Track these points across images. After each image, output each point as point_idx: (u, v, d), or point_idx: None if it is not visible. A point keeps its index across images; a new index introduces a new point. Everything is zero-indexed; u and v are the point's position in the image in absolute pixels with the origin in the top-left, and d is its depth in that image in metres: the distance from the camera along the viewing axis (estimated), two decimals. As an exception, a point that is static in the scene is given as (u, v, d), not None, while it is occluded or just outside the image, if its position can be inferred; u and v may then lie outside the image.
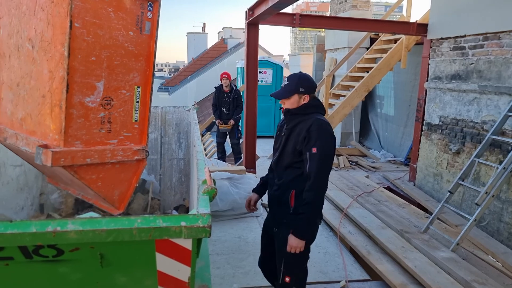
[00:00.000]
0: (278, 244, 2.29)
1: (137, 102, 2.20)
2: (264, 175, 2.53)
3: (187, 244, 1.45)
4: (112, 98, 2.09)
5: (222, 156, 7.16)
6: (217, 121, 6.91)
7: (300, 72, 2.31)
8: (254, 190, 2.56)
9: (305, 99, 2.17)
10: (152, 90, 2.28)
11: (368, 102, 8.81)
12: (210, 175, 1.69)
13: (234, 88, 6.85)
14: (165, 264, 1.51)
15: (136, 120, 2.23)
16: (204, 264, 2.18)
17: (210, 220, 1.36)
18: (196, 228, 1.34)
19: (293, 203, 2.20)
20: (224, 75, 6.83)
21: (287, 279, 2.26)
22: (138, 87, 2.20)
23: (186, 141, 4.28)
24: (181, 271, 1.56)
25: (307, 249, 2.24)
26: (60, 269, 1.43)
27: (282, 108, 2.29)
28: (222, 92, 6.82)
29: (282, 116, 2.38)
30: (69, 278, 1.47)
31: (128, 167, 2.26)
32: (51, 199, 3.43)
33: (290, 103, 2.19)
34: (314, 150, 2.06)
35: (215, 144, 7.56)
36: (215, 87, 7.01)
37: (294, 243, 2.10)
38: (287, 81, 2.21)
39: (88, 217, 1.28)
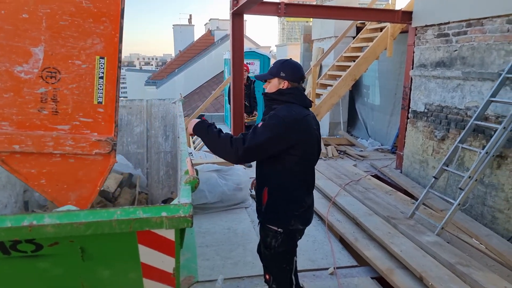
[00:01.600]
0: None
1: (101, 78, 1.70)
2: None
3: (170, 235, 1.44)
4: (58, 70, 1.65)
5: None
6: None
7: (290, 58, 2.23)
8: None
9: (284, 85, 2.09)
10: (120, 63, 1.76)
11: (355, 92, 8.85)
12: (192, 165, 1.68)
13: (253, 79, 6.51)
14: (148, 256, 1.50)
15: (100, 102, 1.74)
16: (191, 255, 2.18)
17: (192, 210, 1.35)
18: (177, 219, 1.33)
19: (265, 200, 2.10)
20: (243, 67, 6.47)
21: (267, 277, 2.26)
22: (102, 58, 1.70)
23: (173, 134, 4.25)
24: (165, 262, 1.55)
25: (284, 253, 2.16)
26: (40, 264, 1.40)
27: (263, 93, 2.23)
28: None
29: None
30: (50, 273, 1.45)
31: (89, 163, 1.80)
32: (35, 196, 3.38)
33: (270, 86, 2.13)
34: (259, 125, 1.98)
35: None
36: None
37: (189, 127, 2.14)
38: (273, 65, 2.16)
39: (65, 210, 1.26)
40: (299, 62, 11.09)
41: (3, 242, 1.27)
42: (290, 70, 2.10)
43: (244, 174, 4.72)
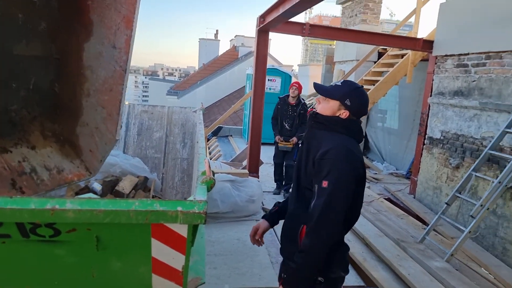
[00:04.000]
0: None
1: None
2: (283, 202, 2.00)
3: (183, 230, 1.50)
4: None
5: (279, 179, 5.96)
6: (276, 138, 5.73)
7: (362, 87, 1.83)
8: (264, 217, 1.99)
9: (343, 114, 1.70)
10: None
11: (367, 117, 8.90)
12: (209, 167, 1.77)
13: (302, 101, 5.72)
14: (160, 250, 1.52)
15: None
16: (199, 258, 2.23)
17: (206, 207, 1.41)
18: (192, 214, 1.38)
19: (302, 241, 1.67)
20: (294, 84, 5.75)
21: None
22: None
23: (191, 142, 4.38)
24: (175, 259, 1.57)
25: None
26: (56, 250, 1.43)
27: (311, 108, 1.93)
28: (287, 104, 5.69)
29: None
30: (65, 260, 1.47)
31: None
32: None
33: (325, 107, 1.72)
34: (324, 184, 1.57)
35: (220, 149, 7.54)
36: (278, 97, 5.97)
37: None
38: (341, 84, 1.75)
39: (87, 197, 1.36)
40: (320, 82, 11.22)
41: (23, 224, 1.31)
42: (359, 102, 1.72)
43: (258, 187, 4.80)
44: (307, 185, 1.70)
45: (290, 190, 1.95)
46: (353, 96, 1.70)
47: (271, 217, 1.96)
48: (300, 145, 1.86)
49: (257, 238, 1.92)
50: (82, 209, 1.28)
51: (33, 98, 2.84)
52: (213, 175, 1.76)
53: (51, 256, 1.43)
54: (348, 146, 1.65)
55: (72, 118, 2.90)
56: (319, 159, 1.61)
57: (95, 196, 1.52)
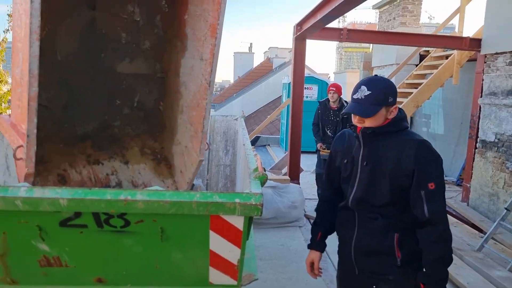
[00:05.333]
0: None
1: None
2: (317, 220, 1.91)
3: (239, 223, 1.53)
4: None
5: None
6: (318, 145, 5.33)
7: (376, 75, 1.79)
8: (312, 247, 1.88)
9: (393, 111, 1.60)
10: None
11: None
12: (261, 163, 1.78)
13: (345, 104, 5.18)
14: (217, 243, 1.59)
15: None
16: (250, 256, 2.24)
17: (262, 200, 1.44)
18: (249, 206, 1.42)
19: (399, 251, 1.61)
20: (331, 88, 5.28)
21: None
22: None
23: (233, 149, 4.44)
24: (231, 253, 1.63)
25: None
26: (125, 240, 1.54)
27: (350, 125, 1.69)
28: (328, 109, 5.27)
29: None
30: (132, 250, 1.58)
31: None
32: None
33: (375, 120, 1.58)
34: (431, 186, 1.53)
35: (259, 157, 7.54)
36: (318, 101, 5.61)
37: None
38: (369, 89, 1.56)
39: (154, 189, 1.42)
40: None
41: (99, 214, 1.43)
42: (395, 89, 1.63)
43: (300, 193, 4.75)
44: (393, 198, 1.61)
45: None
46: (389, 88, 1.61)
47: (320, 244, 1.89)
48: (358, 161, 1.67)
49: (316, 272, 1.87)
50: (150, 199, 1.38)
51: (137, 116, 2.89)
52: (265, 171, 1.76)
53: (121, 246, 1.53)
54: (424, 139, 1.61)
55: (170, 136, 2.84)
56: (416, 161, 1.55)
57: (161, 188, 1.59)
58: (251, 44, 27.20)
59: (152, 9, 2.76)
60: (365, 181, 1.65)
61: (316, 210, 1.93)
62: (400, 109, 1.66)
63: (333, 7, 3.88)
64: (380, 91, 1.57)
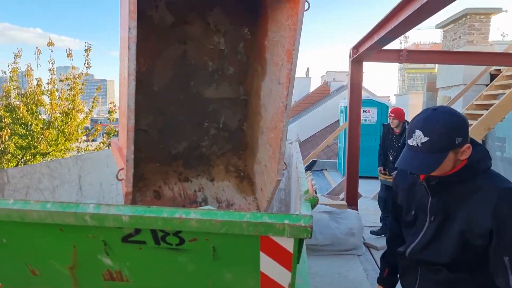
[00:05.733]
0: None
1: None
2: (386, 252, 1.81)
3: (289, 245, 1.53)
4: None
5: (385, 215, 5.17)
6: (378, 169, 5.26)
7: (434, 108, 1.38)
8: (379, 282, 1.80)
9: (466, 151, 1.32)
10: None
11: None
12: (312, 186, 1.77)
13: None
14: (267, 265, 1.60)
15: None
16: (303, 282, 2.20)
17: (312, 222, 1.43)
18: (298, 227, 1.41)
19: None
20: (391, 114, 5.12)
21: None
22: None
23: (288, 173, 4.43)
24: (282, 275, 1.62)
25: None
26: (180, 258, 1.61)
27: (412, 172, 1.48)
28: (390, 133, 5.14)
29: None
30: (186, 268, 1.64)
31: None
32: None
33: (442, 168, 1.33)
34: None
35: (315, 182, 7.44)
36: (383, 124, 5.59)
37: None
38: (426, 134, 1.29)
39: (206, 209, 1.48)
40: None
41: (156, 232, 1.52)
42: (462, 125, 1.32)
43: (358, 219, 4.57)
44: (465, 258, 1.38)
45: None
46: (451, 129, 1.28)
47: (389, 281, 1.77)
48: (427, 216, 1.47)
49: None
50: (203, 218, 1.44)
51: (223, 136, 3.14)
52: (316, 193, 1.75)
53: (176, 263, 1.59)
54: (504, 186, 1.30)
55: (251, 156, 3.05)
56: (494, 219, 1.26)
57: (213, 208, 1.67)
58: (308, 68, 27.31)
59: (235, 37, 2.96)
60: (429, 236, 1.44)
61: (386, 239, 1.83)
62: (478, 145, 1.38)
63: (389, 29, 3.83)
64: (442, 135, 1.27)
